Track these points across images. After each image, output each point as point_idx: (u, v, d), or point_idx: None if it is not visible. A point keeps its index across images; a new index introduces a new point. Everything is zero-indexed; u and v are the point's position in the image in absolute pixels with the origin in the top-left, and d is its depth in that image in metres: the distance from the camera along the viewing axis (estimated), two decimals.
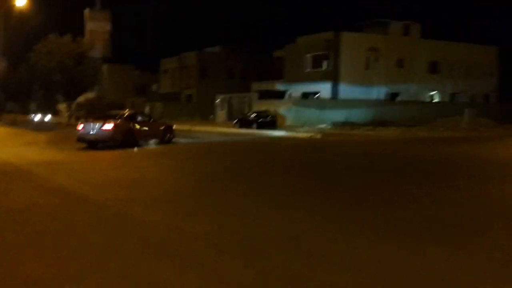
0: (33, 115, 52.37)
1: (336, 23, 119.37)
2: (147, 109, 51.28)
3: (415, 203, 8.31)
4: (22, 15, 38.90)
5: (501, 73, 51.05)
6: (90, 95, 51.72)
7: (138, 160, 16.13)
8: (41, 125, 42.27)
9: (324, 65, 42.87)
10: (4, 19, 37.24)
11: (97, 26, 41.69)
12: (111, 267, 4.94)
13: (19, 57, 48.08)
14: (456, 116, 37.10)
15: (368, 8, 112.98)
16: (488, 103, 48.47)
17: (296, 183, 10.63)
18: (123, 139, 18.98)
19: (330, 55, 42.45)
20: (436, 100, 47.91)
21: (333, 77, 42.40)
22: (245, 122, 35.23)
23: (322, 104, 39.68)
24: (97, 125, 19.11)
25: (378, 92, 43.64)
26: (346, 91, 41.76)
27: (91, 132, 19.10)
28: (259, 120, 34.67)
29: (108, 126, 18.85)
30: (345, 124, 35.27)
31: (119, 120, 19.56)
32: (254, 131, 31.57)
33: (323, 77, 42.63)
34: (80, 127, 19.96)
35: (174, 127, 22.83)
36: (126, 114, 20.81)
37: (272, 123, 34.72)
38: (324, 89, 42.79)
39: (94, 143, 19.12)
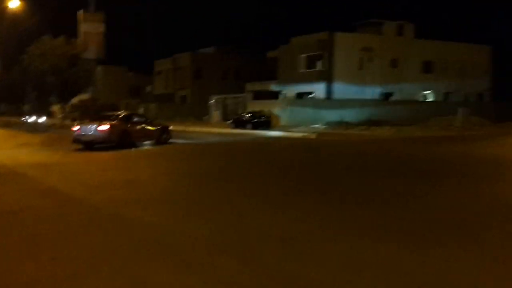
0: (27, 116, 52.15)
1: (330, 24, 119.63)
2: (141, 110, 51.14)
3: (412, 203, 8.32)
4: (15, 17, 38.76)
5: (494, 72, 51.31)
6: (84, 96, 51.55)
7: (133, 161, 16.10)
8: (35, 126, 42.08)
9: (318, 65, 42.93)
10: None
11: (90, 27, 41.51)
12: (105, 269, 4.92)
13: (12, 59, 47.89)
14: (450, 115, 37.25)
15: (361, 9, 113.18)
16: (481, 102, 48.66)
17: (293, 183, 10.63)
18: (119, 140, 19.06)
19: (324, 55, 42.52)
20: (430, 99, 48.08)
21: (327, 77, 42.48)
22: (239, 123, 35.24)
23: (316, 104, 39.73)
24: (93, 126, 19.19)
25: (372, 92, 43.75)
26: (340, 91, 41.85)
27: (87, 133, 19.15)
28: (254, 120, 34.69)
29: (104, 127, 18.92)
30: (339, 124, 35.33)
31: (115, 121, 19.65)
32: (249, 132, 31.57)
33: (317, 77, 42.69)
34: (76, 128, 20.04)
35: (171, 127, 22.85)
36: (122, 115, 20.98)
37: (267, 123, 34.75)
38: (318, 89, 42.86)
39: (90, 144, 19.14)
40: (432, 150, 18.72)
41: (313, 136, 26.78)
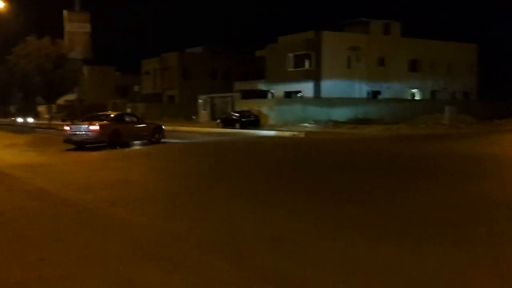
0: (14, 117, 51.75)
1: (318, 23, 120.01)
2: (128, 110, 50.83)
3: (404, 201, 8.33)
4: (0, 18, 38.26)
5: (480, 71, 51.85)
6: (70, 97, 51.11)
7: (124, 160, 15.96)
8: (22, 127, 41.72)
9: (306, 64, 43.03)
10: None
11: (76, 27, 41.04)
12: (94, 270, 4.86)
13: None
14: (437, 113, 37.49)
15: (348, 8, 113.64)
16: (468, 100, 49.11)
17: (284, 182, 10.60)
18: (110, 140, 19.10)
19: (311, 54, 42.64)
20: (417, 97, 48.41)
21: (315, 76, 42.60)
22: (228, 122, 35.16)
23: (304, 103, 39.79)
24: (84, 127, 19.25)
25: (360, 91, 43.96)
26: (328, 89, 41.98)
27: (78, 133, 19.16)
28: (242, 120, 34.63)
29: (94, 127, 18.92)
30: (327, 122, 35.41)
31: (105, 121, 19.74)
32: (238, 131, 31.51)
33: (305, 76, 42.78)
34: (67, 128, 20.04)
35: (163, 127, 22.83)
36: (113, 115, 21.12)
37: (255, 123, 34.70)
38: (306, 88, 42.96)
39: (81, 144, 19.15)
40: (421, 148, 18.81)
41: (302, 135, 26.79)
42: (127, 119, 21.72)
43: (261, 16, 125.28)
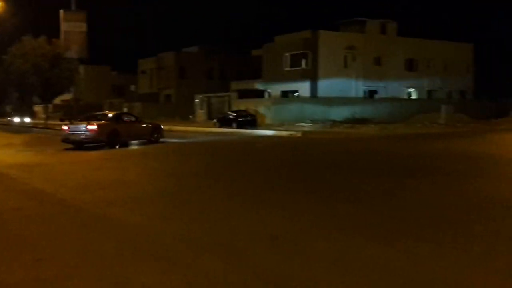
0: (11, 117, 51.62)
1: (314, 22, 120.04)
2: (125, 110, 50.76)
3: (402, 201, 8.33)
4: None
5: (477, 70, 51.98)
6: (66, 96, 50.98)
7: (122, 160, 15.94)
8: (19, 127, 41.63)
9: (303, 63, 43.03)
10: None
11: (72, 27, 40.88)
12: (90, 270, 4.84)
13: None
14: (433, 112, 37.59)
15: (345, 7, 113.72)
16: (464, 99, 49.24)
17: (282, 182, 10.59)
18: (108, 140, 19.14)
19: (308, 53, 42.65)
20: (413, 97, 48.50)
21: (312, 75, 42.62)
22: (225, 121, 35.14)
23: (301, 103, 39.81)
24: (82, 126, 19.29)
25: (357, 90, 44.00)
26: (325, 89, 42.01)
27: (76, 133, 19.19)
28: (239, 119, 34.61)
29: (92, 127, 18.96)
30: (324, 122, 35.42)
31: (103, 120, 19.79)
32: (235, 130, 31.50)
33: (302, 76, 42.79)
34: (65, 128, 20.07)
35: (162, 127, 22.83)
36: (112, 115, 21.17)
37: (252, 122, 34.69)
38: (303, 88, 42.98)
39: (80, 144, 19.18)
40: (417, 148, 18.84)
41: (299, 134, 26.79)
42: (125, 118, 21.79)
43: (257, 16, 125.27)
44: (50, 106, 48.45)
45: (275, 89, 45.07)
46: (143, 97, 59.25)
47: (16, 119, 50.10)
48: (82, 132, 18.98)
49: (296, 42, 43.36)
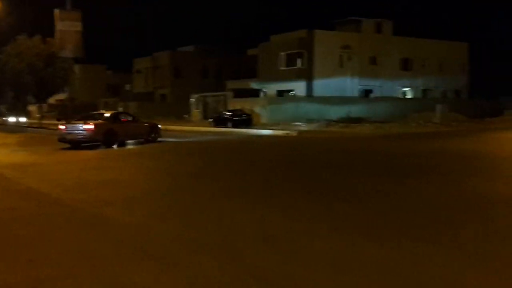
0: (5, 117, 51.40)
1: (310, 22, 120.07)
2: (120, 109, 50.60)
3: (400, 200, 8.34)
4: None
5: (472, 69, 52.19)
6: (61, 96, 50.78)
7: (118, 160, 15.89)
8: (14, 126, 41.47)
9: (298, 63, 43.05)
10: None
11: (67, 26, 40.73)
12: (84, 271, 4.81)
13: None
14: (429, 112, 37.69)
15: (340, 7, 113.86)
16: (459, 98, 49.40)
17: (278, 181, 10.57)
18: (104, 139, 19.17)
19: (304, 53, 42.67)
20: (408, 96, 48.62)
21: (307, 75, 42.64)
22: (220, 121, 35.11)
23: (297, 102, 39.81)
24: (79, 126, 19.30)
25: (352, 89, 44.05)
26: (321, 88, 42.04)
27: (73, 132, 19.19)
28: (235, 119, 34.59)
29: (89, 126, 18.96)
30: (320, 121, 35.44)
31: (100, 120, 19.79)
32: (230, 130, 31.48)
33: (297, 75, 42.81)
34: (62, 127, 20.05)
35: (160, 126, 22.82)
36: (109, 114, 21.19)
37: (248, 122, 34.67)
38: (298, 87, 42.98)
39: (76, 143, 19.17)
40: (413, 147, 18.87)
41: (295, 134, 26.80)
42: (122, 118, 21.80)
43: (253, 15, 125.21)
44: (44, 105, 48.25)
45: (271, 88, 45.07)
46: (138, 96, 59.11)
47: (11, 119, 49.87)
48: (79, 131, 18.97)
49: (292, 42, 43.37)
